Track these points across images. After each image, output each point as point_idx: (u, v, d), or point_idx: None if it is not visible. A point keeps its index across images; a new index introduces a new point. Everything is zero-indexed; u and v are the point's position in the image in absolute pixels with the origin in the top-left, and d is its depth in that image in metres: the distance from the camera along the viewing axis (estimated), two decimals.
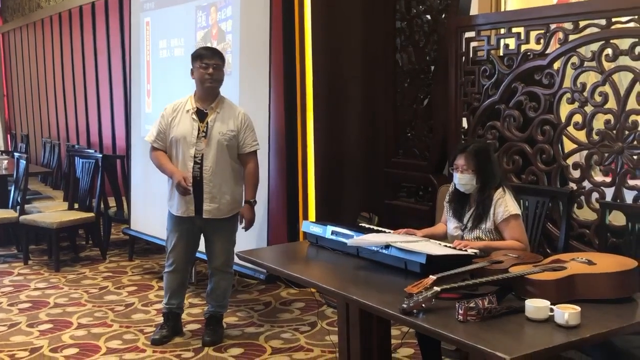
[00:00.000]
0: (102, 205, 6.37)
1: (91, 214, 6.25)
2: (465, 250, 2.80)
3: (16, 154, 7.28)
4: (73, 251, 6.45)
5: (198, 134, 3.95)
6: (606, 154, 3.49)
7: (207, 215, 3.98)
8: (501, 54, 4.06)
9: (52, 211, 6.49)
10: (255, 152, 4.07)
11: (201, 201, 3.97)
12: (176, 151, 4.00)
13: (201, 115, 3.99)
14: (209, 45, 5.15)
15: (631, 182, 3.42)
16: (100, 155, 6.37)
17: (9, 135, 12.48)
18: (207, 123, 3.96)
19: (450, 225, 3.20)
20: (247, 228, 4.06)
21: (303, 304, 4.86)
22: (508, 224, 3.00)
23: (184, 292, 4.30)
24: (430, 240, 3.06)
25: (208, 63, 3.94)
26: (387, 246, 2.82)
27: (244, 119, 4.03)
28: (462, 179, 3.07)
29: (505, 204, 3.01)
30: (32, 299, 5.14)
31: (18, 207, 6.41)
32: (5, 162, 7.60)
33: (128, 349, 4.08)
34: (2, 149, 11.71)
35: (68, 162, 7.23)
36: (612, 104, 3.48)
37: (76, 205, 6.50)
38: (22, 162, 6.54)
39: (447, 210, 3.25)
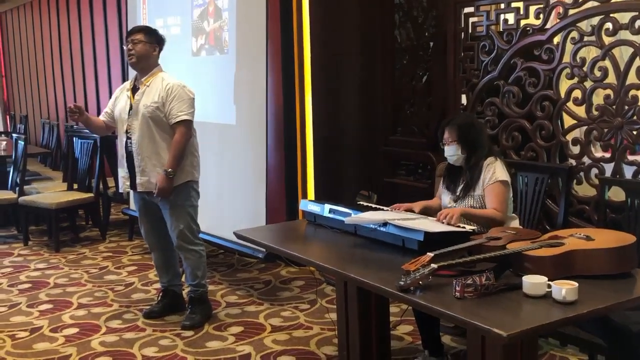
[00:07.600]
0: (101, 186, 6.37)
1: (90, 195, 6.25)
2: (464, 227, 2.79)
3: (15, 135, 7.27)
4: (73, 232, 6.46)
5: (129, 109, 3.94)
6: (606, 130, 3.46)
7: (140, 188, 3.97)
8: (500, 29, 4.02)
9: (51, 192, 6.48)
10: (182, 122, 3.85)
11: (135, 175, 3.97)
12: (118, 128, 4.04)
13: (135, 91, 3.97)
14: (205, 23, 5.10)
15: (630, 158, 3.40)
16: (99, 136, 6.34)
17: (7, 116, 12.45)
18: (135, 98, 3.94)
19: (445, 198, 3.24)
20: (155, 194, 3.89)
21: (303, 282, 4.86)
22: (493, 190, 3.03)
23: (173, 270, 4.26)
24: (428, 217, 3.06)
25: (129, 39, 3.93)
26: (385, 224, 2.81)
27: (171, 90, 3.85)
28: (449, 151, 3.14)
29: (494, 170, 3.05)
30: (32, 279, 5.15)
31: (17, 188, 6.40)
32: (4, 143, 7.59)
33: (128, 329, 4.09)
34: (1, 130, 11.69)
35: (67, 143, 7.20)
36: (611, 78, 3.45)
37: (75, 186, 6.49)
38: (21, 143, 6.52)
39: (441, 185, 3.28)
